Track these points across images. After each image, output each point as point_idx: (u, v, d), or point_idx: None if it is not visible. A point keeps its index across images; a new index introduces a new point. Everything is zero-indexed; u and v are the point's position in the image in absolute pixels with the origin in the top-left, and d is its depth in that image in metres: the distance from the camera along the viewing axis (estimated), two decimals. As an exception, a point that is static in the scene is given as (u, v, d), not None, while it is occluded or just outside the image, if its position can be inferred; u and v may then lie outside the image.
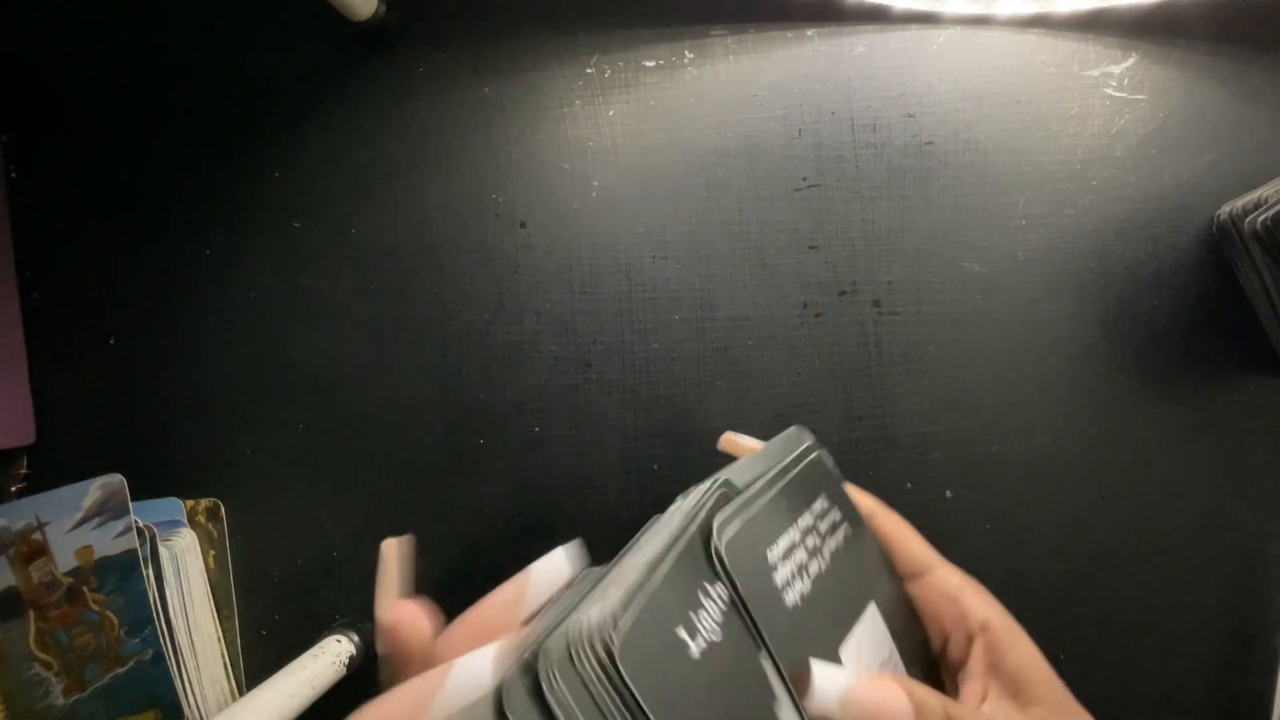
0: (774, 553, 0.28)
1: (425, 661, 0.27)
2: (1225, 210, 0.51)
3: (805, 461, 0.34)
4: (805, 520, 0.31)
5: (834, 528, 0.33)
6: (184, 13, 0.59)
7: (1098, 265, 0.54)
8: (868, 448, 0.55)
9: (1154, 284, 0.53)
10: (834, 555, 0.31)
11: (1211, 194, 0.53)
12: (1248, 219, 0.48)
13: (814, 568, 0.29)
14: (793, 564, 0.28)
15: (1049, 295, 0.54)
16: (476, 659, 0.23)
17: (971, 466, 0.54)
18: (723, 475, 0.30)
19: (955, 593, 0.34)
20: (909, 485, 0.55)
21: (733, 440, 0.45)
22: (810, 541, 0.30)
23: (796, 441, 0.36)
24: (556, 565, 0.33)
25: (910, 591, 0.35)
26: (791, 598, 0.27)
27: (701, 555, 0.26)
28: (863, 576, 0.33)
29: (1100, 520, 0.53)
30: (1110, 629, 0.53)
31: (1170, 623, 0.53)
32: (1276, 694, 0.51)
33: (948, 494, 0.54)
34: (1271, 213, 0.46)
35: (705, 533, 0.26)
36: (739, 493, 0.29)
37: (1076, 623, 0.53)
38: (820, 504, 0.33)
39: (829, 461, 0.37)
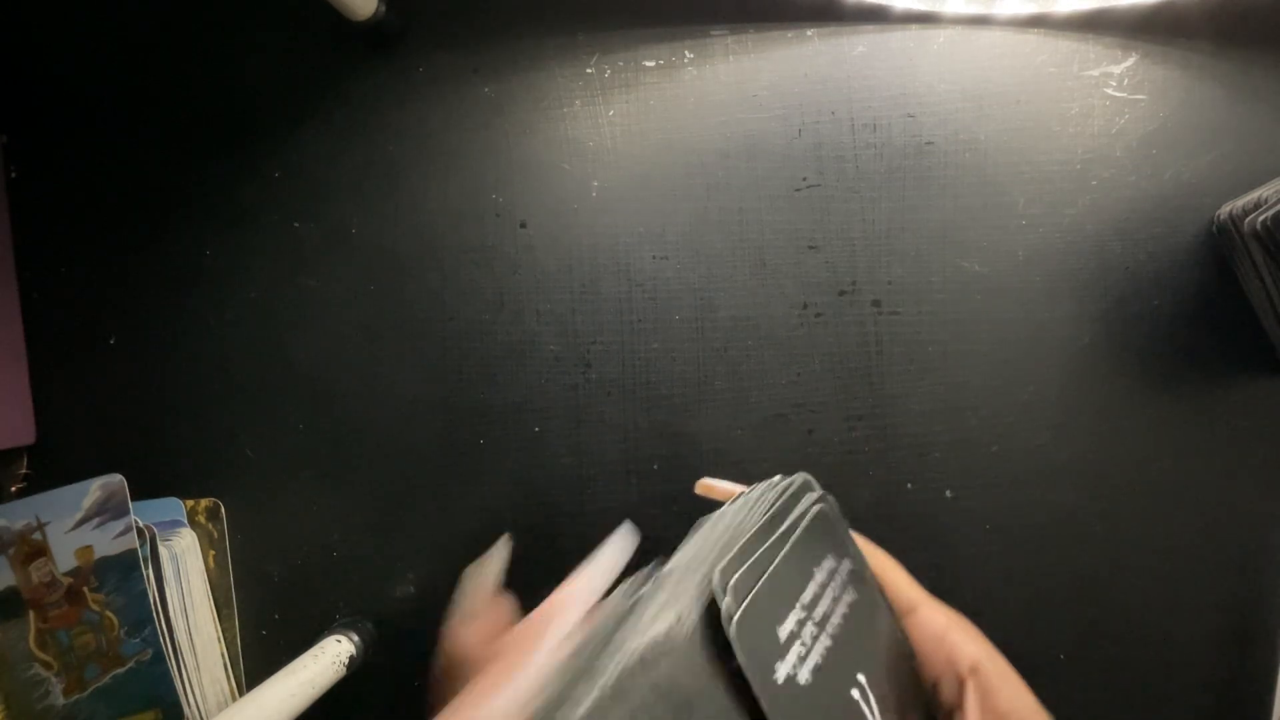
0: (783, 630, 0.27)
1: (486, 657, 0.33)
2: (1225, 210, 0.51)
3: (810, 516, 0.33)
4: (811, 590, 0.30)
5: (843, 589, 0.32)
6: (184, 13, 0.59)
7: (1098, 265, 0.54)
8: (868, 448, 0.55)
9: (1154, 284, 0.53)
10: (843, 621, 0.30)
11: (1211, 194, 0.53)
12: (1248, 219, 0.48)
13: (822, 644, 0.29)
14: (800, 645, 0.28)
15: (1049, 295, 0.54)
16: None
17: (971, 466, 0.54)
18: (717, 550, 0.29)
19: (941, 633, 0.33)
20: (909, 485, 0.55)
21: (710, 485, 0.45)
22: (820, 609, 0.30)
23: (802, 492, 0.35)
24: (610, 562, 0.38)
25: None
26: (803, 676, 0.27)
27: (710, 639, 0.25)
28: (867, 638, 0.32)
29: (1100, 520, 0.53)
30: (1110, 629, 0.53)
31: (1170, 622, 0.53)
32: (1276, 694, 0.51)
33: (948, 494, 0.54)
34: (1271, 213, 0.46)
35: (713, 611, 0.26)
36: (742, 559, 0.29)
37: (1077, 622, 0.53)
38: (829, 563, 0.32)
39: (835, 511, 0.35)
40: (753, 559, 0.28)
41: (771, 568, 0.29)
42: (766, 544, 0.29)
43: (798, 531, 0.31)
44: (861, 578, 0.34)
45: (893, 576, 0.36)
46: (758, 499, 0.34)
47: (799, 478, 0.36)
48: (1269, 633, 0.52)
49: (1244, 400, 0.52)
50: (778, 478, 0.37)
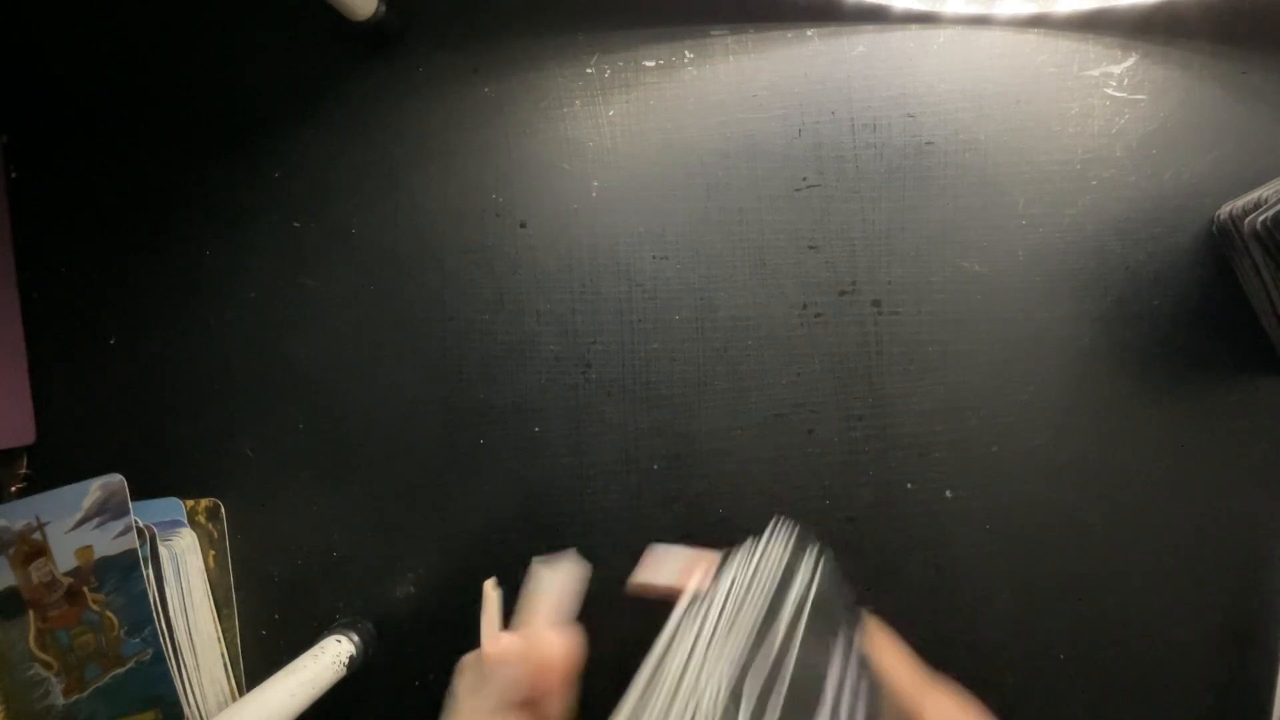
0: None
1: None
2: (1225, 210, 0.51)
3: (813, 593, 0.30)
4: (830, 694, 0.27)
5: (859, 678, 0.29)
6: (184, 13, 0.59)
7: (1098, 265, 0.54)
8: (868, 448, 0.55)
9: (1154, 284, 0.53)
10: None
11: (1211, 194, 0.53)
12: (1248, 219, 0.48)
13: None
14: None
15: (1049, 295, 0.54)
16: None
17: (971, 466, 0.54)
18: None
19: None
20: (909, 485, 0.55)
21: (646, 584, 0.42)
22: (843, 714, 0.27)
23: (795, 562, 0.32)
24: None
25: None
26: None
27: None
28: None
29: (1100, 520, 0.53)
30: (1110, 628, 0.53)
31: (1170, 622, 0.53)
32: (1276, 694, 0.51)
33: (948, 494, 0.54)
34: (1271, 213, 0.46)
35: None
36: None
37: (1077, 622, 0.53)
38: (839, 658, 0.29)
39: (834, 572, 0.33)
40: (765, 662, 0.25)
41: (788, 671, 0.25)
42: (774, 641, 0.26)
43: (804, 617, 0.28)
44: (864, 661, 0.31)
45: (894, 671, 0.34)
46: (746, 585, 0.31)
47: (788, 540, 0.33)
48: (1269, 633, 0.52)
49: (1244, 400, 0.52)
50: (767, 539, 0.33)
